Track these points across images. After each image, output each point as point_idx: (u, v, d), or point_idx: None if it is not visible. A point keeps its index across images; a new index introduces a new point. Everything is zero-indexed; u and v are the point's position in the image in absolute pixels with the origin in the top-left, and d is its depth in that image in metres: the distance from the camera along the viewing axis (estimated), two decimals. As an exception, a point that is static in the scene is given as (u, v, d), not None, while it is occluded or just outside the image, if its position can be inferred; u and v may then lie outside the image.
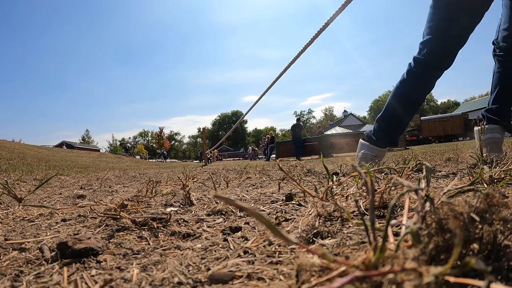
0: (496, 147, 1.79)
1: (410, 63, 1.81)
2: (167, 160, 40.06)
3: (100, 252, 0.57)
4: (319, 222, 0.65)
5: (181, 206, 1.08)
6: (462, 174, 1.37)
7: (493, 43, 1.85)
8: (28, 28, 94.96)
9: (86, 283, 0.45)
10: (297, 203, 0.94)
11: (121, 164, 11.61)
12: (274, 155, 15.05)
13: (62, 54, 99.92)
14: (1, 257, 0.58)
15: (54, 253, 0.58)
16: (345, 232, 0.60)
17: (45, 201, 1.52)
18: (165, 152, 45.65)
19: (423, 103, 2.02)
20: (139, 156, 48.05)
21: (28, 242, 0.68)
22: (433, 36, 1.66)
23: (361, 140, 2.08)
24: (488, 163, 1.20)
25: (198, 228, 0.75)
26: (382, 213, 0.73)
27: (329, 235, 0.58)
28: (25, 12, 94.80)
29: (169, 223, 0.77)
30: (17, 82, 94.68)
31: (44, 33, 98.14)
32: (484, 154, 1.83)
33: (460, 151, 2.96)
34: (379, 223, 0.65)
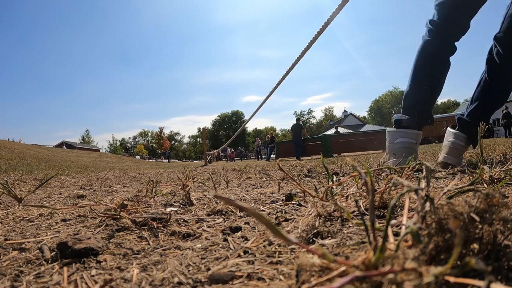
0: (457, 153, 1.71)
1: (427, 24, 1.70)
2: (170, 160, 37.11)
3: (100, 252, 0.57)
4: (319, 222, 0.65)
5: (181, 206, 1.08)
6: (462, 174, 1.37)
7: (495, 38, 1.61)
8: (28, 28, 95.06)
9: (86, 283, 0.45)
10: (297, 203, 0.94)
11: (121, 164, 11.61)
12: (274, 155, 15.07)
13: (62, 54, 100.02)
14: (1, 257, 0.58)
15: (54, 253, 0.58)
16: (345, 232, 0.60)
17: (45, 201, 1.52)
18: (168, 152, 42.96)
19: (448, 70, 1.74)
20: (139, 156, 47.60)
21: (28, 242, 0.68)
22: (449, 6, 1.59)
23: (389, 129, 1.83)
24: (488, 163, 1.20)
25: (198, 228, 0.75)
26: (382, 213, 0.73)
27: (329, 235, 0.58)
28: (25, 12, 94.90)
29: (169, 223, 0.77)
30: (17, 82, 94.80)
31: (44, 33, 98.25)
32: (442, 156, 1.71)
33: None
34: (379, 223, 0.65)
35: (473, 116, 1.70)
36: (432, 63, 1.70)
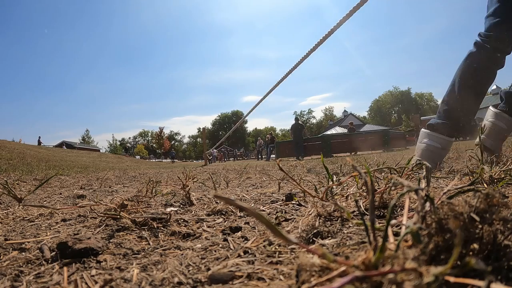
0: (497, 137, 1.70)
1: (478, 37, 1.67)
2: (174, 160, 34.40)
3: (100, 252, 0.57)
4: (319, 222, 0.65)
5: (181, 206, 1.08)
6: (462, 174, 1.37)
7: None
8: (28, 28, 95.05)
9: (86, 283, 0.45)
10: (297, 203, 0.94)
11: (121, 164, 11.61)
12: (274, 155, 15.07)
13: (62, 54, 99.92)
14: (1, 257, 0.58)
15: (54, 253, 0.58)
16: (345, 232, 0.60)
17: (45, 201, 1.52)
18: (173, 152, 39.33)
19: (490, 85, 1.72)
20: (139, 156, 47.35)
21: (28, 242, 0.68)
22: (502, 21, 1.54)
23: (423, 130, 1.85)
24: (488, 163, 1.20)
25: (198, 228, 0.75)
26: (382, 213, 0.73)
27: (329, 235, 0.58)
28: (26, 12, 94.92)
29: (169, 223, 0.77)
30: (17, 82, 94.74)
31: (44, 33, 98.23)
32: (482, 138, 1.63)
33: (461, 151, 2.96)
34: (379, 223, 0.65)
35: None
36: (478, 77, 1.67)
